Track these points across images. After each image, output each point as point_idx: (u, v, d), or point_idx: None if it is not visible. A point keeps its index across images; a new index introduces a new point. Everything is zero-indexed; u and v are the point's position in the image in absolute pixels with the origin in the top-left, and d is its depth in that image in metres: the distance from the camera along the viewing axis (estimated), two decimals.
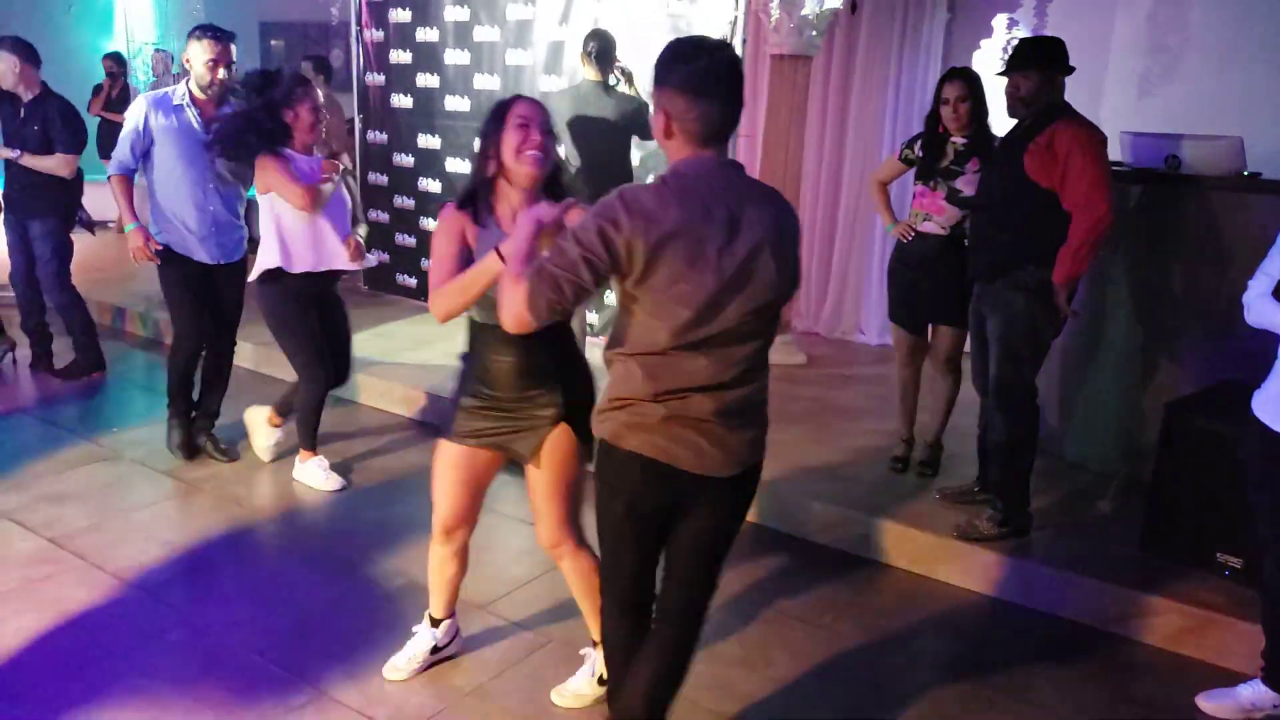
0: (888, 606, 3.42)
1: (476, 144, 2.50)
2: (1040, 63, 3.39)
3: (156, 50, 10.04)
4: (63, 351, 5.58)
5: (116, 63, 9.66)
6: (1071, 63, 3.43)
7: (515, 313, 1.92)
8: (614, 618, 2.29)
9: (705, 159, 1.96)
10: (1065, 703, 2.92)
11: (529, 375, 2.48)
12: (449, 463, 2.61)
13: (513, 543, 3.75)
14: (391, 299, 7.00)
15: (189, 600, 3.25)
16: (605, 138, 4.55)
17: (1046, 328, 3.47)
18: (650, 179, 2.06)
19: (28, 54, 5.04)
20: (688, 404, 2.00)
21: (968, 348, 3.88)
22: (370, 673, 2.86)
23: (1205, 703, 2.90)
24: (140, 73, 10.56)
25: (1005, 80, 3.47)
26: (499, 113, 2.43)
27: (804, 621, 3.28)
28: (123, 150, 4.05)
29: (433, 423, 4.94)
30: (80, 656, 2.89)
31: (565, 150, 4.51)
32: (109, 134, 8.60)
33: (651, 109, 2.03)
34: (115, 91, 9.43)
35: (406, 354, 5.62)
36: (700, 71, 1.90)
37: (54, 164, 5.09)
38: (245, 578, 3.44)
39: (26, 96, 5.07)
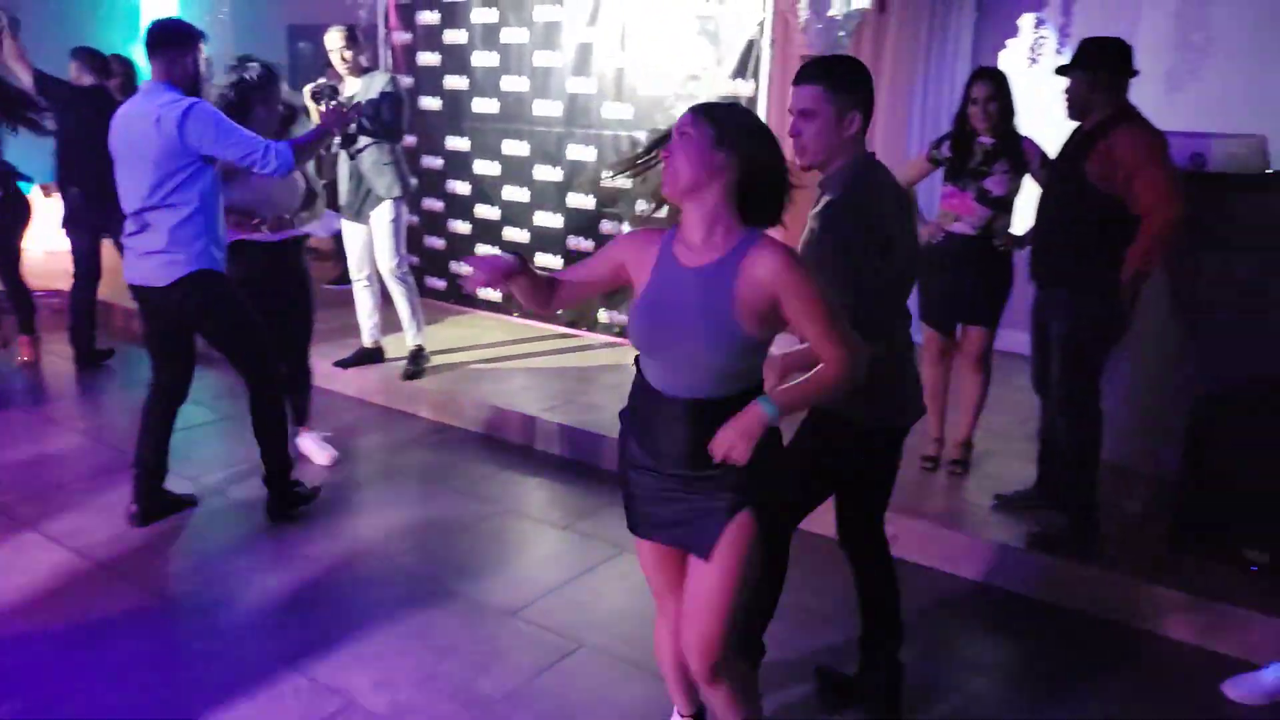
0: (924, 606, 3.43)
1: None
2: (1102, 64, 3.35)
3: None
4: None
5: (119, 63, 9.50)
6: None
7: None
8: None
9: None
10: (1095, 697, 2.98)
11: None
12: None
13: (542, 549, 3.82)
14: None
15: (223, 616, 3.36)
16: None
17: (1111, 331, 3.47)
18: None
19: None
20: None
21: (996, 346, 3.91)
22: (397, 679, 2.89)
23: (1232, 691, 2.94)
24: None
25: (1066, 80, 3.43)
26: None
27: (827, 621, 3.29)
28: None
29: (459, 426, 5.02)
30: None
31: None
32: None
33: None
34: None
35: (438, 359, 5.66)
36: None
37: None
38: (266, 584, 3.47)
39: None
